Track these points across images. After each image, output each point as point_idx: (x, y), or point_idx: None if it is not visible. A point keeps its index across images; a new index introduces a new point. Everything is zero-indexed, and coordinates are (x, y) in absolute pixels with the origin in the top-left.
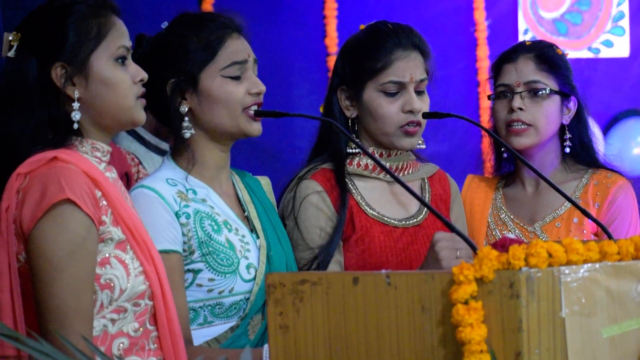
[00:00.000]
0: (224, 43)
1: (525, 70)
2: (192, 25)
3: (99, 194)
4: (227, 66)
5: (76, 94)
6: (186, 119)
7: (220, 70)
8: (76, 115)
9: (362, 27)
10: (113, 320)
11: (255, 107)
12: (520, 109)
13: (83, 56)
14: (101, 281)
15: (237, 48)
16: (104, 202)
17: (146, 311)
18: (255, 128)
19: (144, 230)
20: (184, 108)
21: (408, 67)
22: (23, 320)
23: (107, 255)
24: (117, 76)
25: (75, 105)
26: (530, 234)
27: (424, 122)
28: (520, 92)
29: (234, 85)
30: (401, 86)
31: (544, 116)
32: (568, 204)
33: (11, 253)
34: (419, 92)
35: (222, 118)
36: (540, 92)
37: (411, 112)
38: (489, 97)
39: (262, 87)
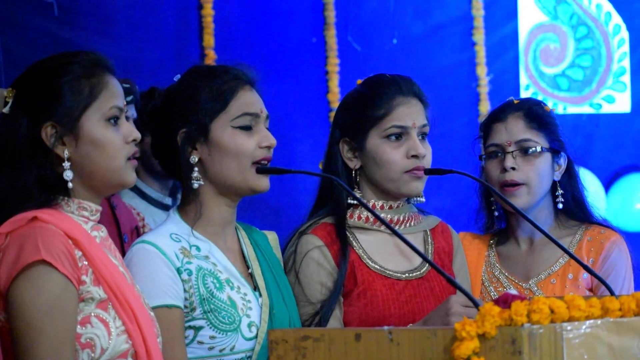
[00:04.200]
0: (235, 94)
1: (516, 129)
2: (204, 76)
3: (79, 254)
4: (238, 116)
5: (66, 154)
6: (196, 169)
7: (231, 121)
8: (68, 175)
9: (359, 81)
10: None
11: (265, 162)
12: (513, 168)
13: (74, 116)
14: (82, 340)
15: (249, 100)
16: (85, 262)
17: None
18: (263, 183)
19: (128, 289)
20: (194, 158)
21: (410, 112)
22: None
23: (88, 314)
24: (107, 137)
25: (66, 164)
26: (526, 290)
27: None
28: (512, 152)
29: (244, 137)
30: (404, 131)
31: (537, 174)
32: (563, 260)
33: None
34: (421, 140)
35: (231, 170)
36: (532, 151)
37: (416, 157)
38: (480, 158)
39: (273, 141)
